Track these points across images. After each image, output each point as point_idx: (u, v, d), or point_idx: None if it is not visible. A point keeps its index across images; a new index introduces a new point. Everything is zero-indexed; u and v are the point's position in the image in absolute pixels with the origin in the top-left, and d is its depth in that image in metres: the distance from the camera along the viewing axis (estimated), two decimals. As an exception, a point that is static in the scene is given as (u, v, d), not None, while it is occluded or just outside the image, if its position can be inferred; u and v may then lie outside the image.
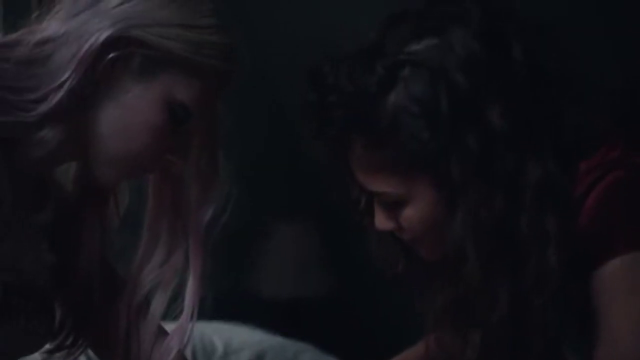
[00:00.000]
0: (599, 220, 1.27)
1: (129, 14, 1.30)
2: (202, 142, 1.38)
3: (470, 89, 1.26)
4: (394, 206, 1.34)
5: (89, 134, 1.32)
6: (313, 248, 3.15)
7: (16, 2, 1.43)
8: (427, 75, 1.27)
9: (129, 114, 1.32)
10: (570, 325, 1.30)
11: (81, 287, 1.44)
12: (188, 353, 2.29)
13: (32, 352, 1.40)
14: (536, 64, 1.30)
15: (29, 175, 1.34)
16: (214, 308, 1.60)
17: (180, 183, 1.41)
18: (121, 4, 1.31)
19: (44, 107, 1.28)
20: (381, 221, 1.37)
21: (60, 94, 1.28)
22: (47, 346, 1.44)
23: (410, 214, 1.33)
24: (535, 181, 1.27)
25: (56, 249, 1.41)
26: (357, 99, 1.29)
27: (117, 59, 1.30)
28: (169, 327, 1.46)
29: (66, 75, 1.29)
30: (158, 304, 1.43)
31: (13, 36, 1.33)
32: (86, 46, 1.28)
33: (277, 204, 3.21)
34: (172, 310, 1.43)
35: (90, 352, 1.52)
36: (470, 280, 1.28)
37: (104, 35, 1.28)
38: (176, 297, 1.43)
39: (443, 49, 1.28)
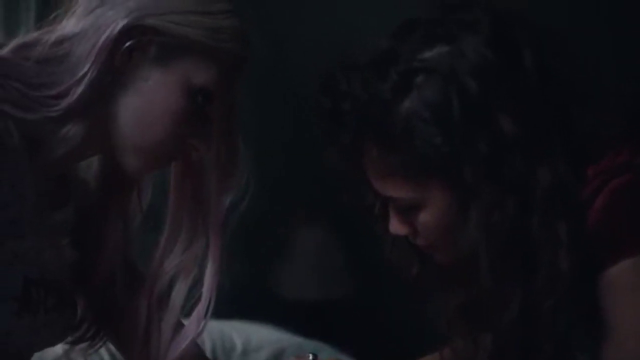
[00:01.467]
0: (606, 223, 1.28)
1: (143, 4, 1.31)
2: (222, 129, 1.38)
3: (481, 95, 1.28)
4: (408, 211, 1.35)
5: (112, 125, 1.33)
6: (335, 250, 3.15)
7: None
8: (440, 81, 1.29)
9: (149, 101, 1.33)
10: (580, 326, 1.31)
11: (102, 282, 1.45)
12: (208, 350, 2.32)
13: (52, 344, 1.41)
14: (546, 69, 1.31)
15: (51, 172, 1.35)
16: (236, 307, 1.62)
17: (201, 172, 1.41)
18: None
19: (65, 102, 1.30)
20: (396, 226, 1.38)
21: (81, 88, 1.30)
22: (69, 338, 1.46)
23: (425, 219, 1.34)
24: (546, 185, 1.28)
25: (78, 245, 1.42)
26: (371, 106, 1.31)
27: (134, 47, 1.31)
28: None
29: (85, 69, 1.30)
30: (178, 294, 1.44)
31: (33, 35, 1.34)
32: (103, 37, 1.30)
33: (301, 206, 3.22)
34: (190, 298, 1.45)
35: (111, 345, 1.54)
36: (482, 283, 1.29)
37: (120, 25, 1.30)
38: (194, 287, 1.44)
39: (455, 56, 1.29)
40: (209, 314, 1.42)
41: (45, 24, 1.37)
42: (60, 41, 1.32)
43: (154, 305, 1.45)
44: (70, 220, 1.41)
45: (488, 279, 1.29)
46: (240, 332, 2.46)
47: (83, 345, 1.48)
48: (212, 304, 1.42)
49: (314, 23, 3.19)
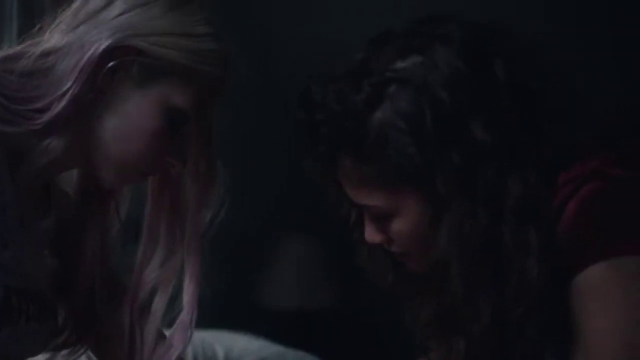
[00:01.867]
0: (576, 231, 1.29)
1: (128, 25, 1.34)
2: (200, 146, 1.42)
3: (454, 105, 1.29)
4: (383, 219, 1.37)
5: (92, 141, 1.36)
6: (318, 260, 3.15)
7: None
8: (413, 92, 1.30)
9: (129, 120, 1.36)
10: (552, 334, 1.32)
11: (83, 291, 1.47)
12: (190, 359, 2.32)
13: (34, 354, 1.43)
14: (518, 81, 1.33)
15: (33, 183, 1.37)
16: (219, 317, 1.62)
17: (179, 186, 1.44)
18: (120, 14, 1.35)
19: (48, 116, 1.32)
20: (371, 234, 1.40)
21: (63, 103, 1.32)
22: (51, 346, 1.47)
23: (398, 227, 1.36)
24: (517, 195, 1.29)
25: (59, 255, 1.44)
26: (344, 117, 1.33)
27: (117, 67, 1.34)
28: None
29: (69, 85, 1.32)
30: (159, 304, 1.46)
31: (17, 49, 1.36)
32: (87, 56, 1.33)
33: (283, 214, 3.22)
34: (172, 309, 1.46)
35: (92, 354, 1.55)
36: (454, 292, 1.31)
37: (104, 45, 1.33)
38: (175, 299, 1.46)
39: (427, 67, 1.31)
40: (193, 324, 1.44)
41: (29, 37, 1.39)
42: (45, 54, 1.34)
43: (136, 314, 1.47)
44: (52, 230, 1.43)
45: (460, 287, 1.30)
46: (223, 341, 2.46)
47: (64, 352, 1.50)
48: (195, 314, 1.44)
49: (296, 38, 3.20)
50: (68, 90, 1.32)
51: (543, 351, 1.33)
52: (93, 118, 1.36)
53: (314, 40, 3.14)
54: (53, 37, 1.36)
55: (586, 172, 1.32)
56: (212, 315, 1.60)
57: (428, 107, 1.30)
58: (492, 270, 1.30)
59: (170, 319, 1.47)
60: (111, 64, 1.33)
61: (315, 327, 3.18)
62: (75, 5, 1.38)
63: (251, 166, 2.83)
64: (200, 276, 1.45)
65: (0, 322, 1.31)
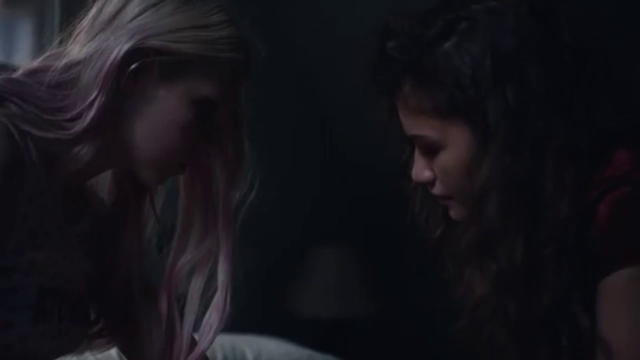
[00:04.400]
0: (605, 234, 1.33)
1: (143, 26, 1.38)
2: (228, 131, 1.45)
3: (516, 50, 1.36)
4: (430, 153, 1.42)
5: (126, 143, 1.40)
6: (352, 268, 3.16)
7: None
8: (480, 32, 1.38)
9: (159, 117, 1.40)
10: (579, 285, 1.36)
11: (118, 290, 1.51)
12: (220, 360, 2.34)
13: (68, 352, 1.47)
14: (580, 43, 1.39)
15: (68, 186, 1.41)
16: (251, 322, 1.63)
17: (209, 171, 1.48)
18: (134, 17, 1.39)
19: (79, 126, 1.37)
20: (417, 172, 1.45)
21: (92, 112, 1.36)
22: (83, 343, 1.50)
23: (444, 160, 1.41)
24: (561, 139, 1.35)
25: (93, 256, 1.47)
26: (414, 43, 1.40)
27: (139, 70, 1.38)
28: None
29: (95, 94, 1.36)
30: (196, 287, 1.49)
31: (40, 62, 1.40)
32: (108, 62, 1.36)
33: (319, 222, 3.23)
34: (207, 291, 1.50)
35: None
36: (492, 218, 1.36)
37: (123, 50, 1.37)
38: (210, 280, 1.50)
39: (498, 12, 1.38)
40: (228, 303, 1.48)
41: (50, 49, 1.43)
42: (68, 67, 1.38)
43: (173, 301, 1.51)
44: (86, 233, 1.46)
45: (497, 215, 1.35)
46: (252, 345, 2.48)
47: (92, 344, 1.54)
48: (230, 294, 1.48)
49: (321, 21, 3.21)
50: (95, 99, 1.36)
51: (571, 302, 1.36)
52: (123, 121, 1.40)
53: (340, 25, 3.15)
54: (74, 49, 1.40)
55: (619, 175, 1.35)
56: (245, 321, 1.62)
57: (491, 48, 1.36)
58: (528, 203, 1.35)
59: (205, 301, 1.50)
60: (132, 67, 1.37)
61: (347, 335, 3.19)
62: (90, 15, 1.42)
63: (287, 173, 2.85)
64: (234, 256, 1.48)
65: (35, 321, 1.35)
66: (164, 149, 1.40)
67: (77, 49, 1.39)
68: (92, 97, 1.36)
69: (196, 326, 1.51)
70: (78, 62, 1.38)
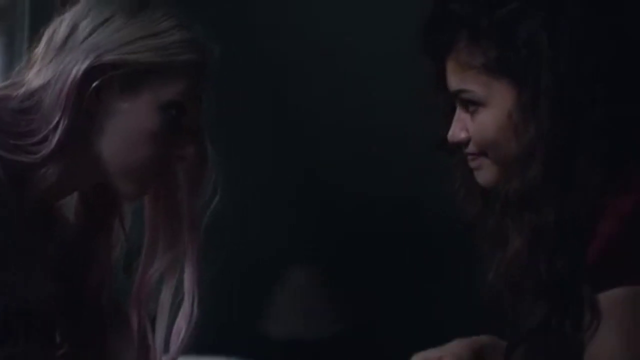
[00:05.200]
0: (610, 249, 1.36)
1: (96, 44, 1.40)
2: (192, 135, 1.46)
3: (572, 24, 1.41)
4: (471, 110, 1.46)
5: (96, 159, 1.42)
6: (323, 290, 3.16)
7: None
8: (545, 8, 1.42)
9: (127, 129, 1.41)
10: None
11: (85, 315, 1.51)
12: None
13: None
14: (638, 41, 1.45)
15: (37, 207, 1.41)
16: (222, 345, 1.64)
17: (173, 179, 1.49)
18: (87, 37, 1.41)
19: (45, 150, 1.38)
20: (455, 132, 1.48)
21: (57, 135, 1.38)
22: None
23: (484, 118, 1.45)
24: (601, 116, 1.39)
25: (62, 277, 1.46)
26: (475, 3, 1.44)
27: (100, 86, 1.39)
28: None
29: (58, 117, 1.38)
30: (165, 299, 1.50)
31: (2, 91, 1.42)
32: (67, 84, 1.38)
33: (290, 246, 3.22)
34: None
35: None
36: (533, 180, 1.40)
37: (80, 70, 1.38)
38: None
39: None
40: (195, 311, 1.48)
41: (10, 76, 1.45)
42: (29, 95, 1.40)
43: (143, 313, 1.51)
44: (55, 253, 1.45)
45: (539, 176, 1.40)
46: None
47: None
48: (197, 299, 1.49)
49: (290, 25, 3.21)
50: (59, 122, 1.38)
51: (577, 278, 1.39)
52: (91, 139, 1.41)
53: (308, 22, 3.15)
54: (32, 76, 1.42)
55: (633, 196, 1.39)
56: (217, 343, 1.62)
57: (550, 17, 1.41)
58: (566, 167, 1.40)
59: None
60: (93, 85, 1.39)
61: (316, 356, 3.19)
62: (43, 42, 1.44)
63: (256, 194, 2.85)
64: (200, 262, 1.49)
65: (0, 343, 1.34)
66: (138, 160, 1.42)
67: (35, 76, 1.41)
68: (55, 121, 1.38)
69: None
70: (38, 89, 1.40)
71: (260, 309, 3.16)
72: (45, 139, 1.37)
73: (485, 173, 1.49)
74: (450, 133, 1.49)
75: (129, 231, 1.54)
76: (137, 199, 1.50)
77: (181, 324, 1.49)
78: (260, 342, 3.02)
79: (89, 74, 1.38)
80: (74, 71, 1.38)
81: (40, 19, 1.48)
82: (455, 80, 1.47)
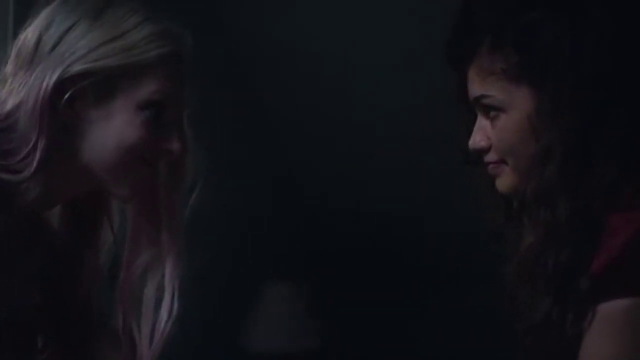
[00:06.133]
0: (619, 258, 1.38)
1: (62, 54, 1.37)
2: (174, 128, 1.43)
3: (594, 31, 1.44)
4: (492, 115, 1.49)
5: (83, 168, 1.40)
6: (303, 304, 3.17)
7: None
8: (567, 10, 1.45)
9: (109, 135, 1.39)
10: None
11: (69, 321, 1.49)
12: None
13: None
14: None
15: (23, 219, 1.39)
16: (202, 358, 1.63)
17: (154, 172, 1.47)
18: (53, 47, 1.38)
19: (29, 169, 1.36)
20: (476, 139, 1.51)
21: (38, 154, 1.36)
22: None
23: (504, 123, 1.47)
24: (615, 119, 1.43)
25: (48, 284, 1.45)
26: (499, 9, 1.47)
27: (72, 98, 1.37)
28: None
29: (35, 136, 1.36)
30: (149, 293, 1.48)
31: None
32: (39, 101, 1.36)
33: (271, 261, 3.22)
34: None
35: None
36: (549, 179, 1.43)
37: (50, 85, 1.36)
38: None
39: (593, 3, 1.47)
40: (175, 306, 1.47)
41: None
42: (6, 115, 1.37)
43: (128, 308, 1.49)
44: (41, 262, 1.44)
45: (554, 174, 1.43)
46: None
47: None
48: (176, 295, 1.47)
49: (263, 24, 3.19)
50: (37, 142, 1.36)
51: (577, 272, 1.41)
52: (74, 150, 1.39)
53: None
54: (5, 94, 1.39)
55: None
56: (197, 357, 1.59)
57: (576, 27, 1.44)
58: (582, 165, 1.43)
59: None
60: (65, 97, 1.36)
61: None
62: (12, 57, 1.41)
63: (238, 204, 2.84)
64: (181, 259, 1.48)
65: None
66: (124, 164, 1.39)
67: (8, 94, 1.39)
68: (33, 141, 1.35)
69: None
70: (13, 108, 1.37)
71: (238, 323, 3.15)
72: (26, 157, 1.35)
73: (504, 180, 1.50)
74: (471, 141, 1.51)
75: (117, 230, 1.52)
76: (133, 198, 1.47)
77: (162, 318, 1.47)
78: (238, 356, 3.01)
79: (59, 87, 1.36)
80: (43, 86, 1.35)
81: (25, 17, 1.44)
82: (476, 86, 1.49)
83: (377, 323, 3.20)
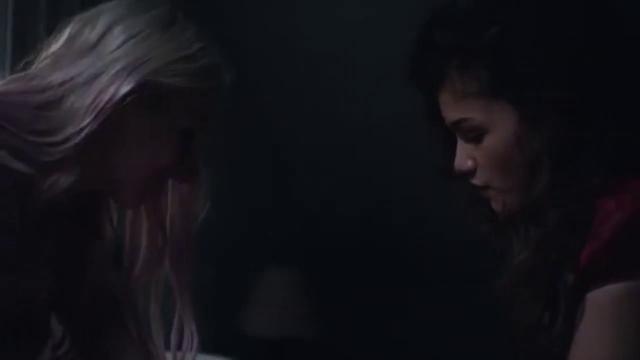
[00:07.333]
0: (607, 246, 1.37)
1: (135, 60, 1.38)
2: (195, 157, 1.47)
3: (565, 34, 1.41)
4: (474, 138, 1.46)
5: (105, 169, 1.41)
6: (300, 290, 3.17)
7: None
8: (528, 15, 1.42)
9: (142, 146, 1.41)
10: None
11: (84, 306, 1.52)
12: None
13: None
14: (629, 37, 1.45)
15: (37, 208, 1.40)
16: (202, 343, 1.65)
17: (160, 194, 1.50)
18: (119, 47, 1.39)
19: (63, 149, 1.36)
20: (460, 160, 1.47)
21: (79, 138, 1.36)
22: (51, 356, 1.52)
23: (489, 142, 1.44)
24: (602, 119, 1.40)
25: (58, 272, 1.47)
26: (460, 29, 1.43)
27: (130, 101, 1.38)
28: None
29: (87, 121, 1.36)
30: (158, 283, 1.52)
31: (10, 84, 1.40)
32: (107, 98, 1.36)
33: (268, 246, 3.23)
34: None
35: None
36: (540, 192, 1.40)
37: (124, 90, 1.37)
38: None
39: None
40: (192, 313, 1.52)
41: (16, 71, 1.44)
42: (51, 87, 1.38)
43: (137, 320, 1.53)
44: (51, 249, 1.46)
45: (545, 185, 1.40)
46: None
47: None
48: (190, 301, 1.52)
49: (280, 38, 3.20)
50: (86, 127, 1.36)
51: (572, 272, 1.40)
52: (106, 149, 1.40)
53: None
54: (47, 72, 1.39)
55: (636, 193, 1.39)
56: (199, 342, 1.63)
57: (542, 35, 1.41)
58: (569, 174, 1.40)
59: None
60: (127, 101, 1.37)
61: (293, 355, 3.20)
62: (62, 39, 1.42)
63: (236, 196, 2.85)
64: (188, 289, 1.52)
65: None
66: (145, 175, 1.42)
67: (53, 71, 1.39)
68: (83, 124, 1.35)
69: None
70: (58, 85, 1.37)
71: (239, 307, 3.17)
72: (66, 140, 1.36)
73: (496, 202, 1.48)
74: (456, 162, 1.48)
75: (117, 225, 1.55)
76: (134, 207, 1.50)
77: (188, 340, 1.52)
78: (237, 340, 3.03)
79: (131, 90, 1.37)
80: (115, 85, 1.36)
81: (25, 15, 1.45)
82: (452, 111, 1.46)
83: (374, 310, 3.20)
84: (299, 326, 3.14)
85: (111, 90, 1.36)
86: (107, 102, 1.36)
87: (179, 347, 1.53)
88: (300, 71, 3.22)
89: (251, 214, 3.21)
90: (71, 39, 1.41)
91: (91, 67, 1.37)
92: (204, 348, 2.50)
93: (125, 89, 1.36)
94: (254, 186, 3.22)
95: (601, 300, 1.35)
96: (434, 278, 3.13)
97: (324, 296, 3.13)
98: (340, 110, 3.21)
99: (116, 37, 1.39)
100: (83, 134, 1.35)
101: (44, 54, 1.42)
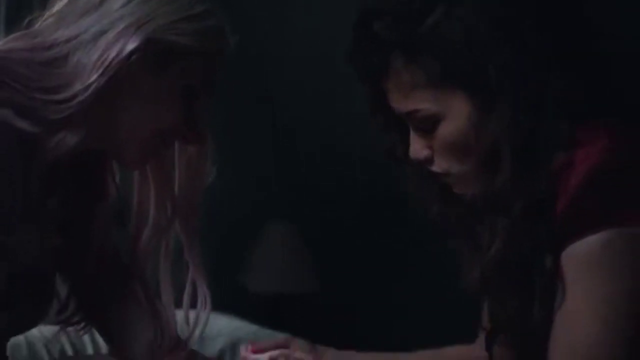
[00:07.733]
0: (578, 198, 1.34)
1: (138, 13, 1.39)
2: (199, 118, 1.48)
3: (508, 10, 1.37)
4: (428, 128, 1.43)
5: (109, 127, 1.41)
6: (300, 246, 3.19)
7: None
8: (467, 6, 1.38)
9: (147, 103, 1.41)
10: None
11: (90, 267, 1.53)
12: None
13: (23, 331, 1.50)
14: (583, 17, 1.42)
15: (41, 167, 1.40)
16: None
17: (165, 158, 1.52)
18: (125, 4, 1.39)
19: (70, 107, 1.36)
20: (416, 149, 1.46)
21: (87, 94, 1.36)
22: (56, 320, 1.54)
23: (444, 132, 1.42)
24: (557, 95, 1.38)
25: (62, 234, 1.48)
26: (399, 20, 1.40)
27: (136, 59, 1.38)
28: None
29: (94, 77, 1.36)
30: (168, 244, 1.53)
31: (15, 41, 1.40)
32: (113, 54, 1.36)
33: (269, 202, 3.26)
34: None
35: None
36: (504, 179, 1.38)
37: (130, 47, 1.37)
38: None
39: None
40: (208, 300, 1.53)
41: (17, 29, 1.43)
42: (57, 44, 1.37)
43: (147, 286, 1.54)
44: (57, 208, 1.46)
45: (509, 172, 1.37)
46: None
47: (70, 329, 1.56)
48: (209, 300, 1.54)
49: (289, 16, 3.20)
50: (93, 83, 1.36)
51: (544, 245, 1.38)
52: (110, 107, 1.40)
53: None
54: (52, 28, 1.39)
55: (598, 143, 1.37)
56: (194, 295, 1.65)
57: (483, 11, 1.37)
58: (530, 157, 1.38)
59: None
60: (131, 58, 1.37)
61: (294, 311, 3.23)
62: (64, 3, 1.42)
63: (236, 152, 2.87)
64: (199, 252, 1.53)
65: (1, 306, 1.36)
66: (150, 133, 1.42)
67: (58, 27, 1.39)
68: (90, 81, 1.36)
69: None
70: (67, 41, 1.37)
71: (238, 263, 3.20)
72: (74, 96, 1.36)
73: (458, 187, 1.46)
74: (411, 152, 1.46)
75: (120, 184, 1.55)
76: (138, 168, 1.50)
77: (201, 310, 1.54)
78: (238, 295, 3.06)
79: (137, 47, 1.37)
80: (121, 42, 1.37)
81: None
82: (402, 102, 1.44)
83: (375, 267, 3.22)
84: (299, 282, 3.17)
85: (117, 46, 1.36)
86: (113, 59, 1.36)
87: (193, 307, 1.54)
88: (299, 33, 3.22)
89: (251, 173, 3.22)
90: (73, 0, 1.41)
91: (97, 24, 1.37)
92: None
93: (131, 45, 1.36)
94: (254, 145, 3.24)
95: (581, 253, 1.33)
96: (436, 234, 3.14)
97: (324, 253, 3.16)
98: (341, 71, 3.21)
99: None
100: (90, 91, 1.36)
101: (47, 13, 1.42)
